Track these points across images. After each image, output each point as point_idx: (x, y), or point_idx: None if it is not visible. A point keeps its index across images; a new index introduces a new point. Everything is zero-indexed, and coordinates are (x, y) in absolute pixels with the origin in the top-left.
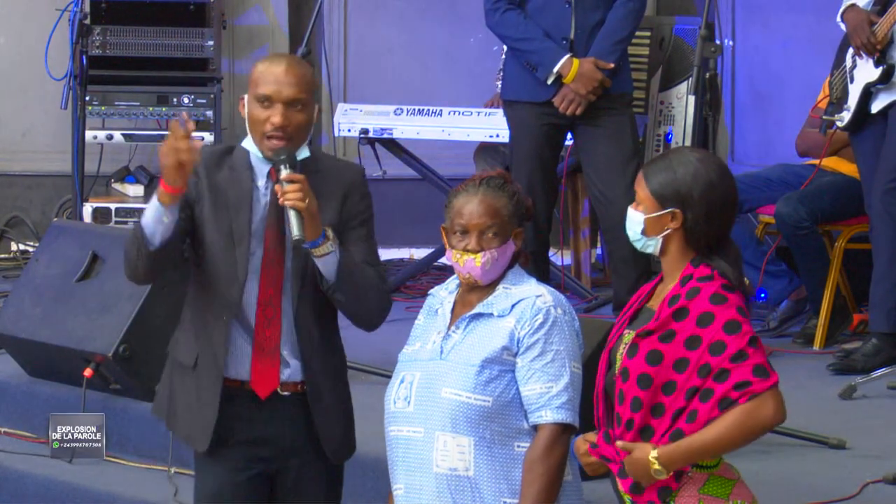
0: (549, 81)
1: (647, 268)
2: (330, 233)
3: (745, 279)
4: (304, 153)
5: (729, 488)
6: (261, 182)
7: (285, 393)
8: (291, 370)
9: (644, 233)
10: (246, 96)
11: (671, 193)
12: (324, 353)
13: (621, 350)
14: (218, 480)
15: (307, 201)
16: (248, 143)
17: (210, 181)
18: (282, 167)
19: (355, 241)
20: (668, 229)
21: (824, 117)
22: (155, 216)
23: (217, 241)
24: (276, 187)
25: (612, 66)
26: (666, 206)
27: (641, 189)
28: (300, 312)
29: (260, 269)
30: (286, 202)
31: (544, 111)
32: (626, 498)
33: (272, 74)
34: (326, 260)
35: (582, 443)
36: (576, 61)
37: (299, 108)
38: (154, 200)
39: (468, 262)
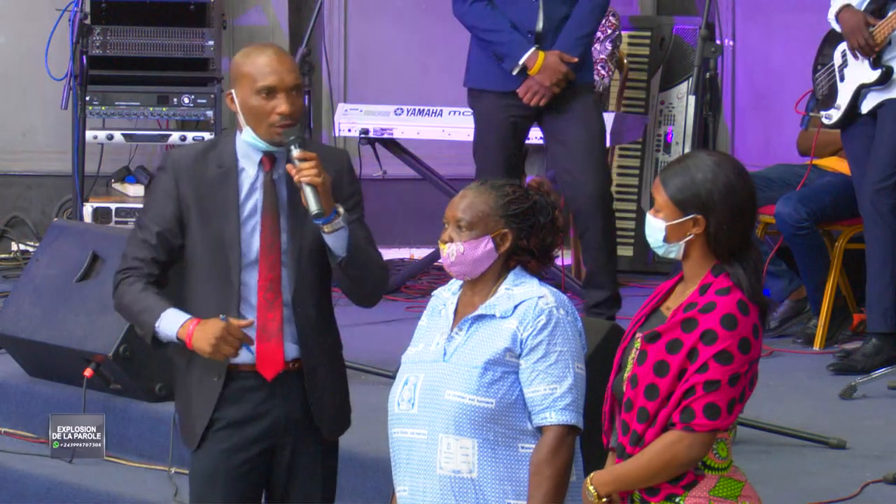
0: (515, 73)
1: (615, 249)
2: (341, 209)
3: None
4: None
5: (738, 490)
6: (252, 171)
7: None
8: (288, 350)
9: (666, 240)
10: (233, 91)
11: (692, 199)
12: (319, 333)
13: (633, 354)
14: (213, 461)
15: (322, 176)
16: (247, 134)
17: (193, 184)
18: (293, 147)
19: (350, 223)
20: (690, 235)
21: (811, 114)
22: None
23: (210, 239)
24: (289, 167)
25: (576, 59)
26: (687, 211)
27: (660, 195)
28: (298, 294)
29: (258, 256)
30: (302, 179)
31: (510, 103)
32: None
33: (269, 66)
34: (338, 235)
35: None
36: (541, 54)
37: (297, 92)
38: (172, 338)
39: (442, 252)
